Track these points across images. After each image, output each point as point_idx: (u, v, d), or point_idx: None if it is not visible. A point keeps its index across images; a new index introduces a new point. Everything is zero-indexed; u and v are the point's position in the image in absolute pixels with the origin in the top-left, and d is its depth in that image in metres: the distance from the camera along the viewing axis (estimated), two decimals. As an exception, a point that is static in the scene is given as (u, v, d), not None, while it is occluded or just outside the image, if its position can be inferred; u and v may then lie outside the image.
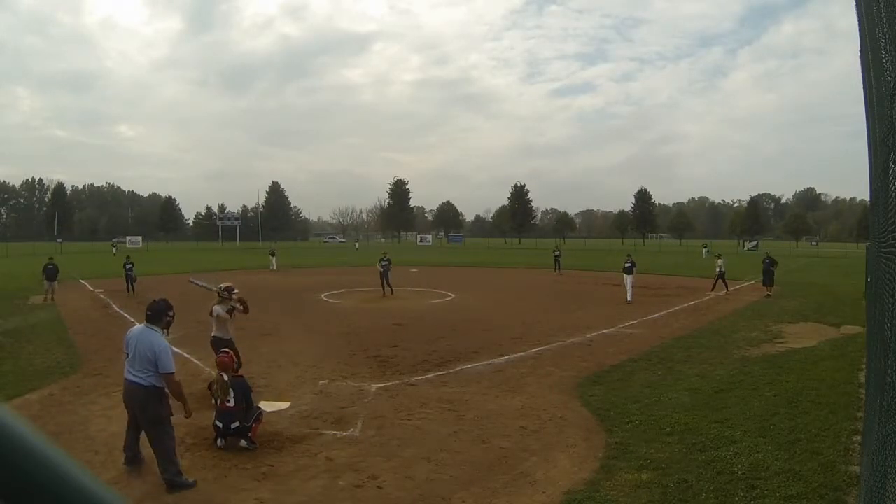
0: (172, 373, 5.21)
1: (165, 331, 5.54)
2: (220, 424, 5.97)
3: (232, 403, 5.99)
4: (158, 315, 5.41)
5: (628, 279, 19.58)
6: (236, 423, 5.93)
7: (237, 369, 6.66)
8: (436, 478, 5.40)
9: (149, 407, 5.15)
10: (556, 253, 33.70)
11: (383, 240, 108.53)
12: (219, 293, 8.08)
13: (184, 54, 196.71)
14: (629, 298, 19.00)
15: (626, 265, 19.95)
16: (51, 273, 18.87)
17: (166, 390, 5.21)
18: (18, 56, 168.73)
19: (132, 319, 12.19)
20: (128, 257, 22.18)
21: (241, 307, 8.12)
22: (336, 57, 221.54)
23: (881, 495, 2.38)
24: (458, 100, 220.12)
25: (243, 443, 5.99)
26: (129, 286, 20.76)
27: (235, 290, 8.17)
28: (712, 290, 21.37)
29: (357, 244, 79.48)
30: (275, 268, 34.61)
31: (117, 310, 16.47)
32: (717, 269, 21.84)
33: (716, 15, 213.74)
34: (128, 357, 5.26)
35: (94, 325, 14.07)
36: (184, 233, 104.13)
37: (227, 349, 6.86)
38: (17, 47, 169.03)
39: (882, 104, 3.10)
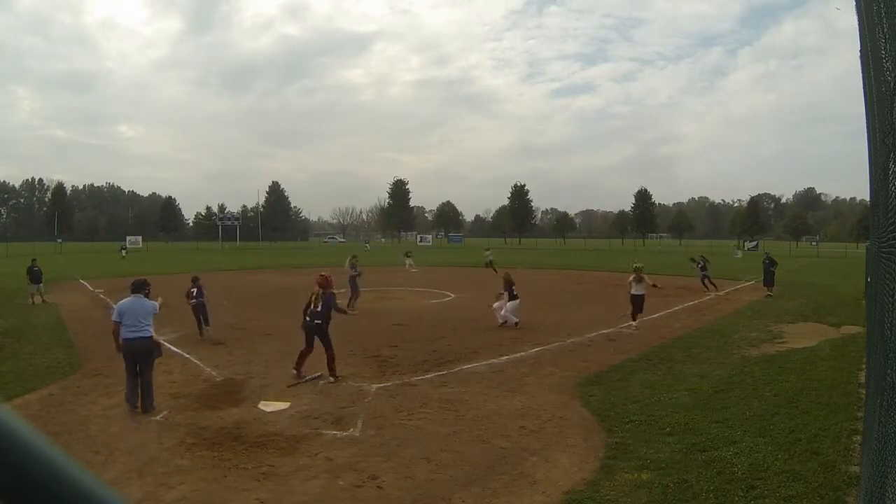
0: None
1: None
2: (308, 319, 8.73)
3: (320, 308, 8.70)
4: (139, 287, 7.59)
5: (508, 304, 13.47)
6: (318, 321, 8.66)
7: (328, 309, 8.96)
8: (436, 478, 5.40)
9: (153, 352, 7.38)
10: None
11: (383, 240, 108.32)
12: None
13: (184, 54, 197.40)
14: (501, 321, 13.50)
15: (509, 289, 13.60)
16: (35, 275, 18.05)
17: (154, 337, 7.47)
18: (18, 56, 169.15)
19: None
20: (195, 280, 12.64)
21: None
22: (336, 57, 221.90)
23: (881, 495, 2.38)
24: (459, 100, 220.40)
25: (330, 378, 8.45)
26: (201, 324, 12.29)
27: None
28: (489, 268, 26.12)
29: (368, 245, 70.39)
30: (414, 269, 31.80)
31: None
32: (486, 260, 26.15)
33: (716, 15, 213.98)
34: (123, 322, 7.21)
35: (94, 325, 14.04)
36: (184, 233, 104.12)
37: (325, 273, 9.36)
38: (17, 47, 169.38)
39: (882, 104, 3.09)
